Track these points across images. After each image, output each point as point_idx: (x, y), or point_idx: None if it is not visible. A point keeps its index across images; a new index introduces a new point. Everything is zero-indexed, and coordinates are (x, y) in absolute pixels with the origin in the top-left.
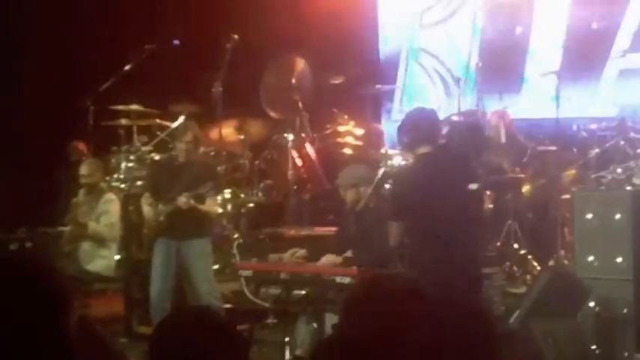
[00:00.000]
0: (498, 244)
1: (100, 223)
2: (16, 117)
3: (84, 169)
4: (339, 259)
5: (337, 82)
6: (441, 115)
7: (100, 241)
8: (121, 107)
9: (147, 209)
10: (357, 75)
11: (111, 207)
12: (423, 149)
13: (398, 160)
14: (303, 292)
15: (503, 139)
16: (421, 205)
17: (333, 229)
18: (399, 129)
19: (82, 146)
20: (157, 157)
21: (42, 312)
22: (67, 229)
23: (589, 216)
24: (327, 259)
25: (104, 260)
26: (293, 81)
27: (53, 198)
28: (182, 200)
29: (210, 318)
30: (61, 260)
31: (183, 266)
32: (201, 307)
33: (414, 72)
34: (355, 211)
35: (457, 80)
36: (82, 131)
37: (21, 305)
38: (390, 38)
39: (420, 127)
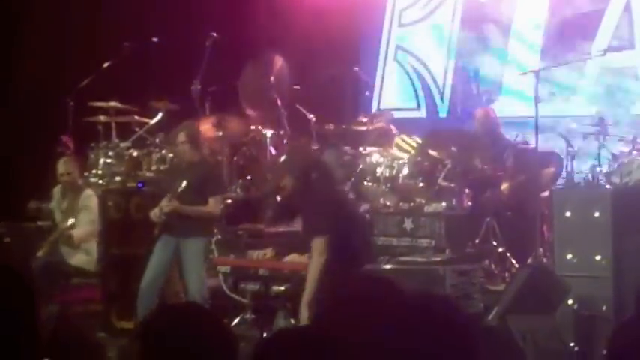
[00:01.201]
0: (477, 241)
1: (80, 221)
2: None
3: (62, 167)
4: (303, 258)
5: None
6: (421, 114)
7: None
8: (99, 104)
9: (153, 213)
10: (335, 75)
11: (91, 203)
12: None
13: (376, 158)
14: (282, 287)
15: (486, 136)
16: None
17: None
18: None
19: (67, 140)
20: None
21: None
22: (47, 223)
23: (568, 214)
24: (292, 258)
25: (86, 255)
26: (272, 79)
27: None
28: (163, 204)
29: (201, 313)
30: (42, 254)
31: (179, 263)
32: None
33: (392, 70)
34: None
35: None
36: (62, 127)
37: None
38: (368, 37)
39: None
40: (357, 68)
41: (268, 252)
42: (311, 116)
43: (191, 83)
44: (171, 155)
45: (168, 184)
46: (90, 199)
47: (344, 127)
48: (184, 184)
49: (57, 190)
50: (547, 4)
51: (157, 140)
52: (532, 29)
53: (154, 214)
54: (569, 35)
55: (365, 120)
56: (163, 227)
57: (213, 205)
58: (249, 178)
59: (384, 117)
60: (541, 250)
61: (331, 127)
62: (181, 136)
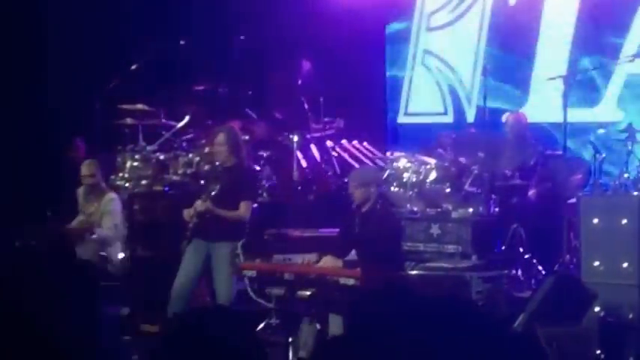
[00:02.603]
0: (503, 247)
1: (104, 224)
2: (24, 114)
3: (85, 169)
4: (339, 262)
5: None
6: (448, 119)
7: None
8: (126, 106)
9: (186, 213)
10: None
11: (113, 207)
12: None
13: (403, 163)
14: (307, 292)
15: (515, 142)
16: None
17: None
18: None
19: (80, 143)
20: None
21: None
22: (73, 225)
23: (595, 220)
24: (325, 261)
25: (109, 258)
26: (299, 81)
27: (58, 195)
28: (197, 203)
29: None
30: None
31: (210, 267)
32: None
33: (420, 75)
34: (361, 212)
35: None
36: (88, 129)
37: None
38: (396, 40)
39: None
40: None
41: (313, 257)
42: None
43: (218, 86)
44: (197, 159)
45: (200, 186)
46: (112, 202)
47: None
48: (218, 187)
49: (81, 191)
50: (576, 5)
51: (184, 143)
52: (561, 32)
53: (188, 212)
54: (598, 36)
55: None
56: (194, 231)
57: (244, 210)
58: (274, 182)
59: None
60: (568, 257)
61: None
62: (220, 138)
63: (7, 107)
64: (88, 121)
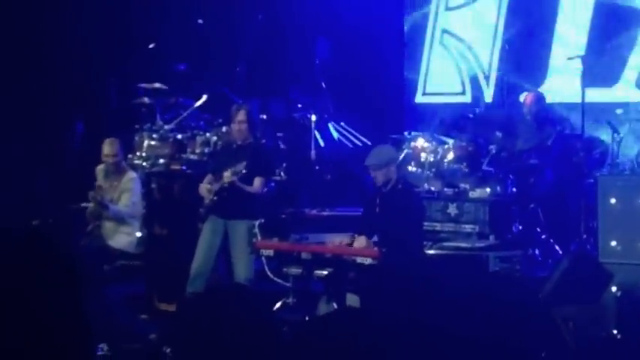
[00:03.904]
0: (520, 227)
1: (121, 202)
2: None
3: (107, 148)
4: (369, 242)
5: None
6: (466, 99)
7: (122, 219)
8: (143, 85)
9: (205, 189)
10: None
11: (133, 185)
12: None
13: (420, 143)
14: (325, 272)
15: (534, 121)
16: None
17: (355, 209)
18: None
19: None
20: (213, 137)
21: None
22: (89, 205)
23: (613, 201)
24: (360, 241)
25: (127, 237)
26: (317, 61)
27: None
28: (225, 175)
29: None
30: (84, 236)
31: (228, 244)
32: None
33: (438, 54)
34: (382, 192)
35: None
36: (105, 109)
37: (40, 280)
38: (415, 20)
39: None
40: None
41: (347, 237)
42: None
43: (236, 65)
44: (215, 138)
45: (220, 163)
46: (132, 181)
47: None
48: (244, 163)
49: (100, 170)
50: None
51: (201, 122)
52: (580, 9)
53: (206, 188)
54: (617, 16)
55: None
56: (212, 208)
57: (258, 185)
58: (291, 161)
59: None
60: (585, 236)
61: None
62: (241, 115)
63: (22, 85)
64: (105, 100)
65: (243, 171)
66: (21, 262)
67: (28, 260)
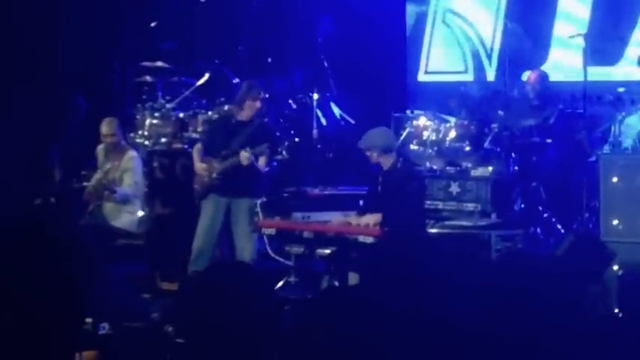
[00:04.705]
0: (522, 206)
1: (124, 182)
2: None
3: (105, 128)
4: (378, 217)
5: None
6: (468, 77)
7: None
8: (146, 64)
9: (198, 165)
10: None
11: (134, 164)
12: None
13: (423, 121)
14: (327, 251)
15: (536, 100)
16: None
17: (357, 188)
18: None
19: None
20: (214, 116)
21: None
22: (91, 183)
23: (615, 179)
24: (368, 218)
25: (129, 216)
26: (319, 40)
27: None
28: (244, 155)
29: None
30: (86, 216)
31: (230, 222)
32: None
33: (440, 33)
34: (383, 171)
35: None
36: (107, 87)
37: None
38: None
39: None
40: None
41: (353, 216)
42: None
43: (238, 44)
44: (217, 117)
45: (221, 139)
46: (133, 160)
47: None
48: (265, 145)
49: (100, 150)
50: None
51: (203, 101)
52: None
53: (245, 156)
54: None
55: None
56: (212, 186)
57: (262, 164)
58: (293, 140)
59: None
60: (587, 215)
61: None
62: (259, 93)
63: (25, 66)
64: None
65: (267, 151)
66: (7, 243)
67: (15, 241)
